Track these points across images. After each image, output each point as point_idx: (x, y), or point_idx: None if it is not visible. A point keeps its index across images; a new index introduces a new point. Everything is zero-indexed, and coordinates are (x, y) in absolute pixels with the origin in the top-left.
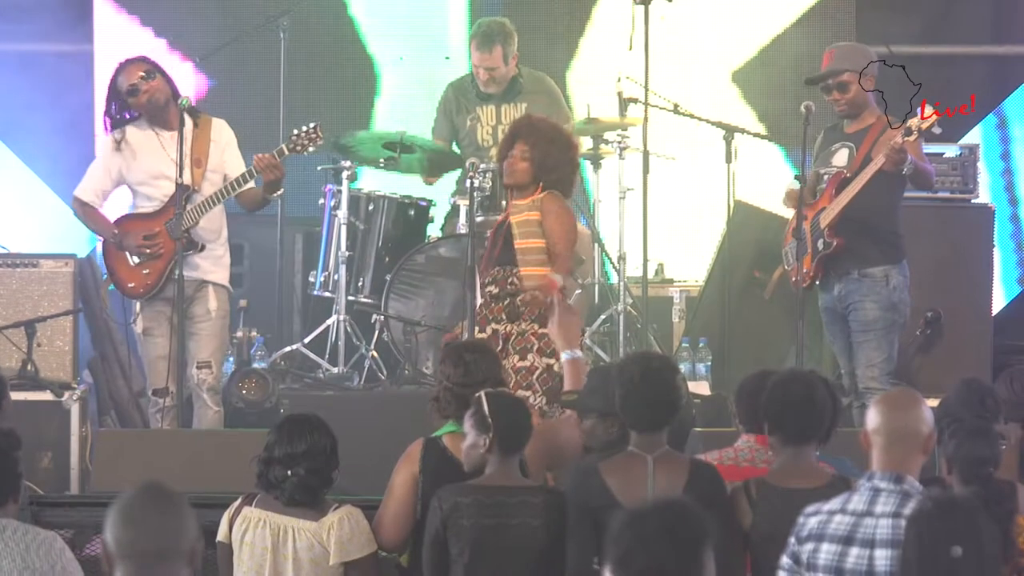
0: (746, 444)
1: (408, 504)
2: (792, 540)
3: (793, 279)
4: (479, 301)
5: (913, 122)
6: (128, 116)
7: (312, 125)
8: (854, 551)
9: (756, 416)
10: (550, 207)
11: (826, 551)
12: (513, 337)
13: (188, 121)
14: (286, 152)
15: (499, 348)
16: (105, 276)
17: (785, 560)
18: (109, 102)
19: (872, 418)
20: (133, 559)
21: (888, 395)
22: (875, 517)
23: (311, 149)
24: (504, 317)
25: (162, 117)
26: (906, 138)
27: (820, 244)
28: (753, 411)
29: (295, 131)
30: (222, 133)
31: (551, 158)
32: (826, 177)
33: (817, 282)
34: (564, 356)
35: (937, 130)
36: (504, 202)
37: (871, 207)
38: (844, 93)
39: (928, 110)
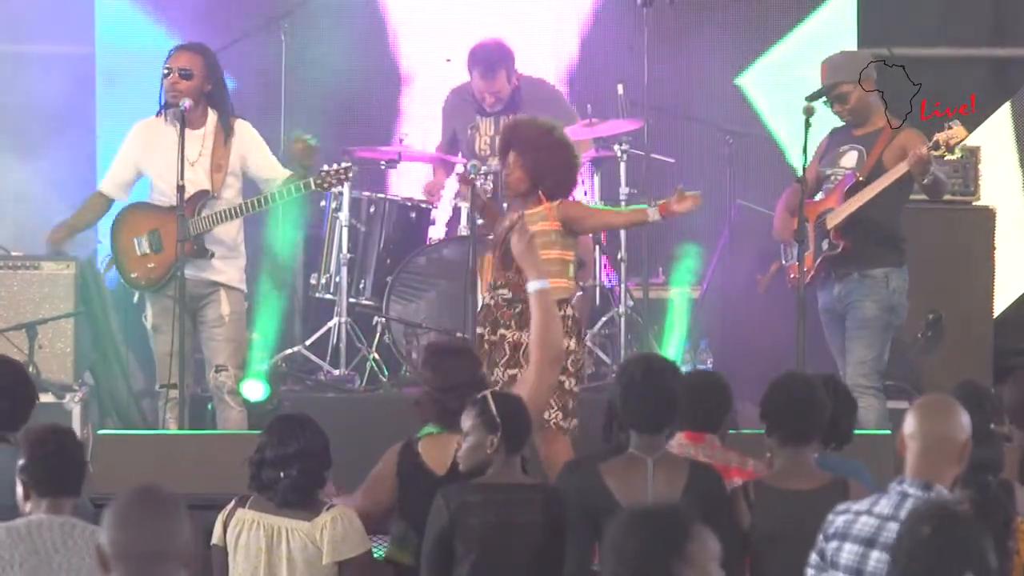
0: (676, 441)
1: (380, 501)
2: (820, 537)
3: (792, 276)
4: (486, 301)
5: (941, 136)
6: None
7: (344, 165)
8: (875, 554)
9: (686, 415)
10: (574, 213)
11: (848, 551)
12: (525, 346)
13: (212, 123)
14: (313, 187)
15: (507, 356)
16: (108, 257)
17: (813, 557)
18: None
19: (909, 423)
20: (127, 561)
21: (926, 401)
22: (899, 522)
23: (339, 189)
24: (513, 324)
25: (198, 115)
26: (933, 151)
27: (825, 245)
28: (684, 410)
29: (325, 167)
30: (243, 136)
31: (543, 164)
32: (832, 177)
33: (816, 282)
34: (530, 286)
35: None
36: (505, 205)
37: (878, 211)
38: (844, 104)
39: (956, 124)
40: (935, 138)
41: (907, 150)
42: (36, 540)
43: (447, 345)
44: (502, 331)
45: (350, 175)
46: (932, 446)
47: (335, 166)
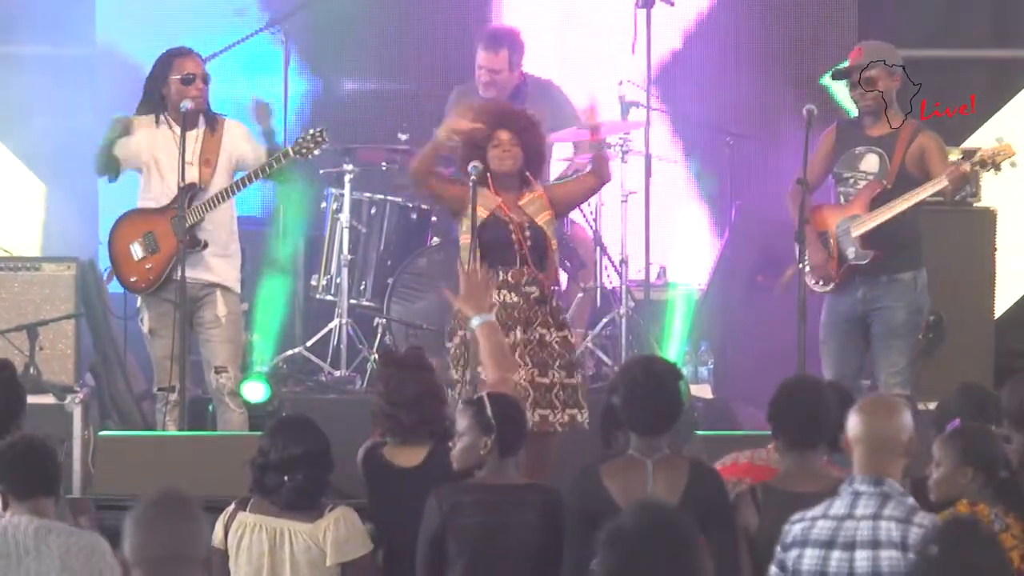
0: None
1: None
2: (778, 548)
3: (814, 281)
4: (506, 300)
5: (986, 153)
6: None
7: (318, 129)
8: (836, 554)
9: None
10: (561, 194)
11: (810, 556)
12: (557, 346)
13: (203, 125)
14: (291, 155)
15: (552, 354)
16: (108, 269)
17: (773, 569)
18: (154, 80)
19: (852, 425)
20: (148, 565)
21: (868, 402)
22: (856, 520)
23: (316, 152)
24: (552, 321)
25: (190, 119)
26: (980, 168)
27: (851, 253)
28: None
29: (300, 135)
30: (231, 131)
31: (536, 146)
32: (852, 181)
33: (838, 288)
34: (474, 321)
35: (1013, 162)
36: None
37: (902, 215)
38: (871, 87)
39: (1003, 141)
40: (979, 155)
41: (926, 154)
42: (9, 543)
43: (400, 357)
44: (540, 330)
45: (325, 138)
46: (878, 446)
47: (310, 132)
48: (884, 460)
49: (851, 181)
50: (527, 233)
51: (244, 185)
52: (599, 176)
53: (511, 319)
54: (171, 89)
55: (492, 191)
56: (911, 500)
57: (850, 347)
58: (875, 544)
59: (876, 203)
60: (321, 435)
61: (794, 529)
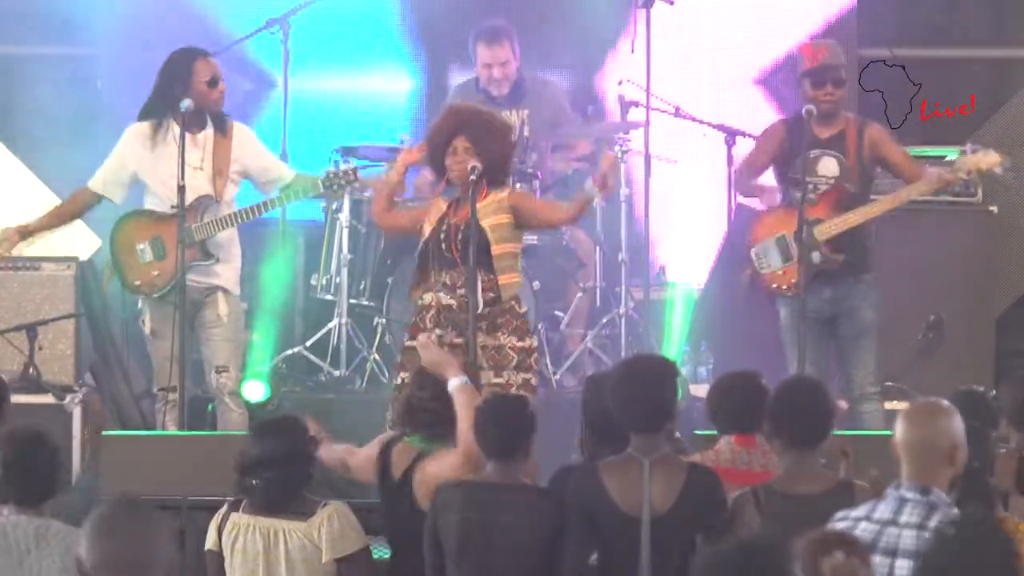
0: (727, 445)
1: (349, 469)
2: None
3: (774, 285)
4: (444, 302)
5: (969, 160)
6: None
7: (351, 167)
8: (876, 559)
9: (733, 417)
10: (526, 205)
11: None
12: (489, 350)
13: (211, 127)
14: (320, 189)
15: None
16: (107, 265)
17: None
18: (171, 83)
19: (897, 431)
20: (106, 571)
21: (913, 408)
22: (899, 527)
23: (347, 190)
24: (483, 327)
25: (197, 120)
26: (962, 175)
27: (816, 257)
28: (730, 412)
29: (331, 170)
30: (240, 139)
31: (496, 151)
32: (812, 186)
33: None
34: (452, 383)
35: (999, 170)
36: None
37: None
38: (840, 88)
39: (992, 154)
40: (960, 163)
41: (879, 146)
42: (11, 541)
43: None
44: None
45: (358, 176)
46: (920, 452)
47: (342, 167)
48: (928, 467)
49: (811, 187)
50: (459, 234)
51: (263, 210)
52: (571, 217)
53: (446, 320)
54: (194, 92)
55: (442, 199)
56: (956, 512)
57: (820, 346)
58: (919, 555)
59: (840, 206)
60: (299, 435)
61: (837, 528)
